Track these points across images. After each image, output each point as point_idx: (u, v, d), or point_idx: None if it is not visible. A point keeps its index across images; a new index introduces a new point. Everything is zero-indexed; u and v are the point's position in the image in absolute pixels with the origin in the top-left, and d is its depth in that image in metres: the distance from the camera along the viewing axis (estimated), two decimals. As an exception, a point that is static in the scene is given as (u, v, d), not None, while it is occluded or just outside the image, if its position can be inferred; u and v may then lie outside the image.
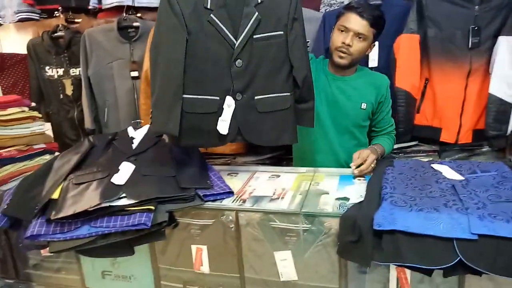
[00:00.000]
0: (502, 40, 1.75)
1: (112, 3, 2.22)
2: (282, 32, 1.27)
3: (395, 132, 1.71)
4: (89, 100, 2.24)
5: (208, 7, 1.22)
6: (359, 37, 1.49)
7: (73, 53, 2.31)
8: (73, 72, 2.33)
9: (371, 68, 1.93)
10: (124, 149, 1.45)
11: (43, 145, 1.66)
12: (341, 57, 1.52)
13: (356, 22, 1.47)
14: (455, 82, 1.87)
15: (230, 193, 1.26)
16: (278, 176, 1.43)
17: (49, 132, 1.70)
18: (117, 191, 1.18)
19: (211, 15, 1.22)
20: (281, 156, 2.17)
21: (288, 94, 1.32)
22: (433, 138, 2.00)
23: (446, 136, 1.94)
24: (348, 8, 1.51)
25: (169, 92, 1.23)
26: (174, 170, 1.30)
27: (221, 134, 1.28)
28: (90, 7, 2.25)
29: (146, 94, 2.13)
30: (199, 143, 1.38)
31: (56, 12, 2.34)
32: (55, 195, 1.21)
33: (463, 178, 1.20)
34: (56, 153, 1.71)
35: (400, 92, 1.88)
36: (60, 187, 1.23)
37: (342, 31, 1.50)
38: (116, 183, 1.22)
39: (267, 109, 1.30)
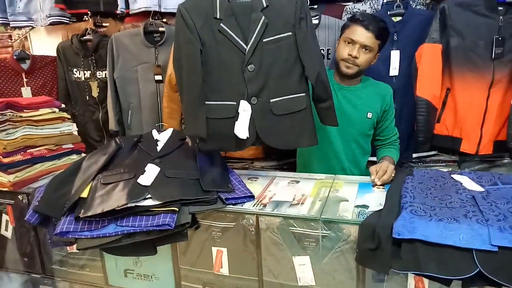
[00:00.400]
0: (527, 51, 1.74)
1: (139, 9, 2.28)
2: (290, 33, 1.31)
3: (398, 141, 1.74)
4: (114, 103, 2.30)
5: (218, 17, 1.28)
6: (365, 49, 1.53)
7: (100, 56, 2.38)
8: (99, 75, 2.41)
9: (392, 77, 1.95)
10: (149, 151, 1.50)
11: (71, 145, 1.73)
12: (348, 67, 1.57)
13: (362, 35, 1.51)
14: (477, 93, 1.86)
15: (251, 197, 1.29)
16: (298, 182, 1.45)
17: (76, 133, 1.75)
18: (143, 192, 1.23)
19: (221, 24, 1.28)
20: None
21: (303, 94, 1.36)
22: (453, 148, 1.99)
23: (466, 147, 1.93)
24: (354, 20, 1.54)
25: (193, 100, 1.32)
26: (197, 173, 1.34)
27: (240, 138, 1.32)
28: (118, 12, 2.33)
29: (169, 97, 2.19)
30: (221, 148, 1.44)
31: (85, 16, 2.42)
32: (84, 194, 1.26)
33: (483, 190, 1.21)
34: (83, 154, 1.77)
35: (421, 101, 1.89)
36: (89, 186, 1.29)
37: (348, 43, 1.55)
38: (142, 184, 1.26)
39: (283, 111, 1.34)
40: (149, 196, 1.22)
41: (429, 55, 1.85)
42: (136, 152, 1.50)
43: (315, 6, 2.09)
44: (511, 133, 1.79)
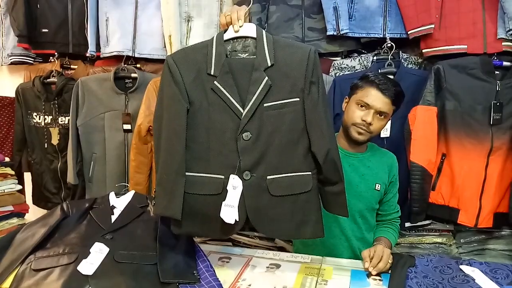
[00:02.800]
0: (526, 119, 1.62)
1: (111, 52, 2.12)
2: (298, 99, 1.09)
3: (399, 221, 1.52)
4: (75, 152, 2.06)
5: (212, 73, 1.08)
6: (380, 115, 1.35)
7: (64, 100, 2.16)
8: (61, 121, 2.18)
9: (383, 139, 1.79)
10: (101, 221, 1.25)
11: (10, 207, 1.45)
12: (360, 133, 1.36)
13: (378, 100, 1.33)
14: (475, 160, 1.71)
15: (220, 291, 1.05)
16: (278, 266, 1.21)
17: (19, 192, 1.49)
18: (82, 285, 0.97)
19: (215, 82, 1.08)
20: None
21: (309, 173, 1.11)
22: (449, 219, 1.81)
23: (465, 219, 1.75)
24: (369, 82, 1.35)
25: (171, 169, 1.08)
26: (156, 256, 1.09)
27: (226, 223, 1.06)
28: (87, 55, 2.14)
29: (137, 149, 1.98)
30: (199, 232, 1.18)
31: (51, 58, 2.23)
32: (7, 284, 1.00)
33: (502, 291, 1.00)
34: (26, 217, 1.50)
35: (415, 167, 1.72)
36: (15, 273, 1.02)
37: (362, 106, 1.35)
38: (83, 272, 1.01)
39: (283, 192, 1.09)
40: (89, 290, 0.96)
41: (424, 118, 1.71)
42: (85, 224, 1.25)
43: (301, 60, 1.95)
44: (513, 206, 1.63)
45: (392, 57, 1.83)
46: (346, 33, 1.82)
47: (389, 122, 1.77)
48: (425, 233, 1.95)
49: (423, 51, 1.80)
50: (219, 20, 1.99)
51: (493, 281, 1.06)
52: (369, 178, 1.42)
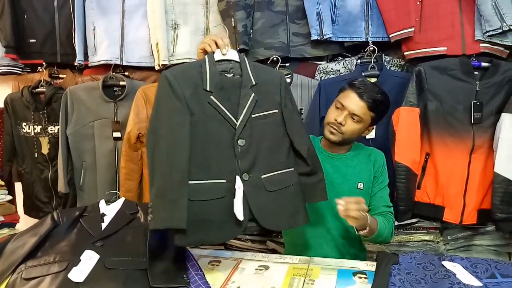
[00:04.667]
0: (506, 118, 1.66)
1: (99, 61, 2.13)
2: (277, 110, 1.30)
3: (392, 218, 1.47)
4: (65, 161, 2.07)
5: (208, 89, 1.20)
6: (353, 118, 1.38)
7: (53, 110, 2.17)
8: (51, 130, 2.19)
9: (369, 140, 1.83)
10: (92, 229, 1.26)
11: (1, 218, 1.46)
12: (331, 133, 1.41)
13: (353, 102, 1.37)
14: (457, 158, 1.76)
15: (210, 293, 1.07)
16: (267, 268, 1.24)
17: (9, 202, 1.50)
18: (73, 292, 0.99)
19: (211, 96, 1.20)
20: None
21: (292, 169, 1.30)
22: (435, 217, 1.85)
23: (450, 216, 1.79)
24: (350, 85, 1.41)
25: (173, 180, 1.11)
26: (146, 261, 1.11)
27: (236, 221, 1.16)
28: (76, 64, 2.16)
29: (127, 157, 2.00)
30: (206, 239, 1.20)
31: (39, 67, 2.24)
32: (-2, 293, 1.01)
33: (481, 284, 1.04)
34: (17, 227, 1.51)
35: (400, 167, 1.75)
36: (5, 282, 1.03)
37: (337, 107, 1.41)
38: (74, 279, 1.02)
39: (276, 187, 1.25)
40: (80, 296, 0.98)
41: (407, 119, 1.75)
42: (76, 232, 1.26)
43: (287, 64, 1.99)
44: (496, 203, 1.67)
45: (375, 60, 1.87)
46: (330, 37, 1.86)
47: (374, 123, 1.83)
48: (413, 231, 1.98)
49: (405, 53, 1.85)
50: (204, 31, 2.05)
51: (473, 275, 1.09)
52: (351, 177, 1.45)
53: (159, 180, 1.12)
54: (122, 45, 2.12)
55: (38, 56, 2.23)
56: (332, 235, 1.45)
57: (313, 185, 1.33)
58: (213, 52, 1.26)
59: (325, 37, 1.85)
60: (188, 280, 1.10)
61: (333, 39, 1.88)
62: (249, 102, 1.23)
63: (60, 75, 2.31)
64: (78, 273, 1.04)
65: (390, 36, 1.82)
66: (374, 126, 1.45)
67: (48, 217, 1.31)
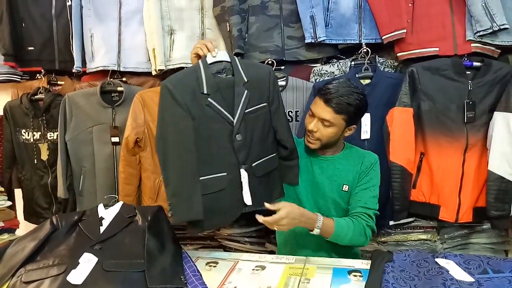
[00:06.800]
0: (498, 116, 1.68)
1: (97, 68, 2.16)
2: (265, 104, 1.42)
3: (368, 221, 1.40)
4: (64, 167, 2.09)
5: (205, 92, 1.30)
6: (324, 123, 1.39)
7: (52, 116, 2.19)
8: (50, 136, 2.21)
9: (364, 140, 1.85)
10: (90, 233, 1.28)
11: (1, 224, 1.48)
12: (308, 142, 1.45)
13: (320, 108, 1.38)
14: (452, 157, 1.78)
15: (207, 293, 1.09)
16: (263, 268, 1.26)
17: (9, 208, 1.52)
18: (72, 294, 1.01)
19: (209, 99, 1.30)
20: (268, 229, 2.00)
21: (275, 154, 1.46)
22: (431, 216, 1.87)
23: (445, 215, 1.81)
24: (318, 91, 1.43)
25: (186, 179, 1.28)
26: (144, 263, 1.13)
27: (238, 205, 1.36)
28: (73, 71, 2.18)
29: (125, 161, 2.01)
30: (214, 224, 1.44)
31: (38, 75, 2.26)
32: (-2, 297, 1.03)
33: (473, 280, 1.06)
34: (17, 232, 1.53)
35: (395, 167, 1.78)
36: (6, 286, 1.05)
37: (310, 115, 1.44)
38: (73, 282, 1.04)
39: (263, 172, 1.41)
40: (79, 298, 1.00)
41: (401, 119, 1.77)
42: (74, 236, 1.28)
43: (282, 67, 2.02)
44: (490, 201, 1.69)
45: (369, 61, 1.89)
46: (324, 40, 1.89)
47: (369, 124, 1.85)
48: (410, 230, 2.00)
49: (398, 54, 1.87)
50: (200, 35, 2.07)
51: (466, 271, 1.11)
52: (337, 179, 1.47)
53: (173, 181, 1.29)
54: (119, 51, 2.14)
55: (37, 64, 2.26)
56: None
57: (288, 168, 1.48)
58: (206, 56, 1.34)
59: (319, 40, 1.88)
60: (185, 281, 1.12)
61: (327, 41, 1.91)
62: (243, 100, 1.34)
63: (59, 82, 2.33)
64: (77, 276, 1.06)
65: (383, 37, 1.85)
66: (355, 126, 1.46)
67: (47, 222, 1.33)
